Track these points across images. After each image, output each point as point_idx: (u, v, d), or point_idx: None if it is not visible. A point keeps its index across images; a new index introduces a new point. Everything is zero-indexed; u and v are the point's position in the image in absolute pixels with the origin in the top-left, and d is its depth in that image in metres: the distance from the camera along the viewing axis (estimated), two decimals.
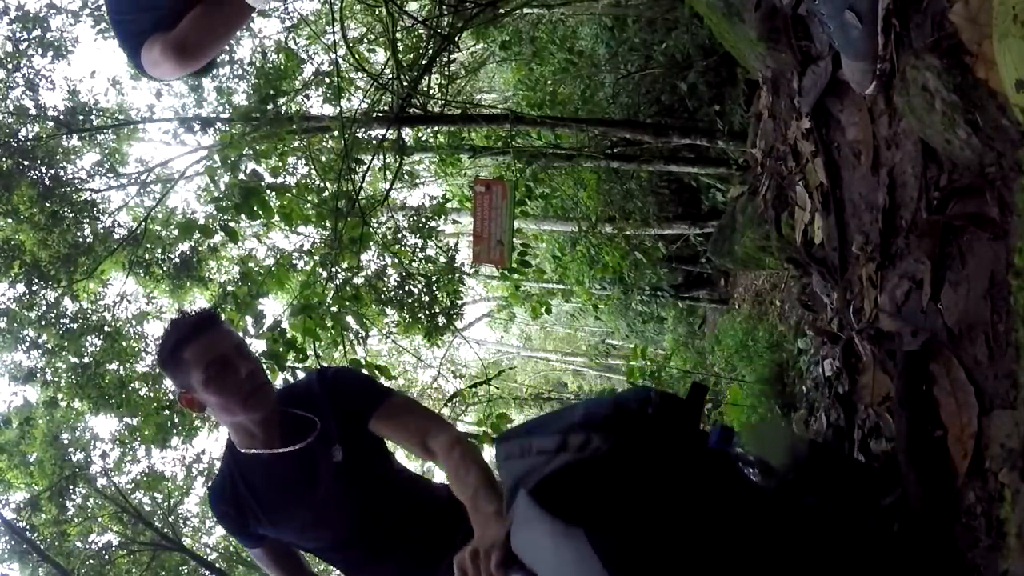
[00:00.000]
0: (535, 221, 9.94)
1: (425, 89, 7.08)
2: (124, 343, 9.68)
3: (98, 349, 9.48)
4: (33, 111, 9.05)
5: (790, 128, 2.38)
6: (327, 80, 8.08)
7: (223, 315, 4.64)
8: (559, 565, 1.31)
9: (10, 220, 8.70)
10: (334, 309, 5.63)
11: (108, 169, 10.15)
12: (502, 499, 1.43)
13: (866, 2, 1.35)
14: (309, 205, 6.14)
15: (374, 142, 6.96)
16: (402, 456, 2.82)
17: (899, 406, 1.43)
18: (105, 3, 1.94)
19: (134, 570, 11.24)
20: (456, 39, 7.38)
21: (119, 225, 9.92)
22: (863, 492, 1.39)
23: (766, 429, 1.46)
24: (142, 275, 9.69)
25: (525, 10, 8.61)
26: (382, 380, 4.87)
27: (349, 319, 5.81)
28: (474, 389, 10.31)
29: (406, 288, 7.42)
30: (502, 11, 7.54)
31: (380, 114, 6.96)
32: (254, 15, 1.70)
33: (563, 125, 7.31)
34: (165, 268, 9.66)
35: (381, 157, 7.26)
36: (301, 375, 4.58)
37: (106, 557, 11.27)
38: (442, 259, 8.00)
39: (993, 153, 1.15)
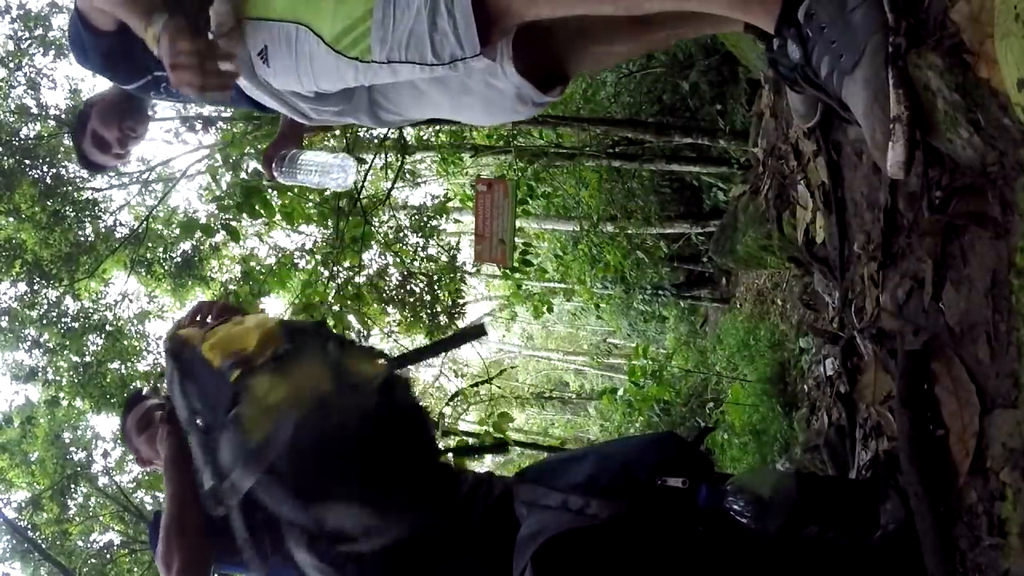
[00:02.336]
0: (537, 220, 9.93)
1: None
2: (126, 342, 9.69)
3: (100, 348, 9.49)
4: (35, 110, 9.06)
5: (792, 127, 2.38)
6: None
7: None
8: None
9: (12, 219, 8.71)
10: (336, 308, 5.63)
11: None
12: None
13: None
14: (311, 204, 6.15)
15: (376, 141, 6.96)
16: None
17: (900, 405, 1.43)
18: None
19: (135, 569, 11.24)
20: None
21: (121, 224, 9.94)
22: (860, 509, 1.39)
23: (752, 477, 1.45)
24: (144, 274, 9.69)
25: None
26: None
27: (351, 318, 5.81)
28: (476, 388, 10.32)
29: (408, 287, 7.42)
30: None
31: None
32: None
33: (565, 124, 7.31)
34: (167, 267, 9.67)
35: (383, 156, 7.26)
36: None
37: (108, 556, 11.28)
38: (444, 258, 8.00)
39: (995, 152, 1.15)
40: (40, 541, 10.42)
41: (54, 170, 8.90)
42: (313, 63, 1.44)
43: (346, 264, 6.19)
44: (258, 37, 1.49)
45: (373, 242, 6.72)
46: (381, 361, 1.63)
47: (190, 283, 9.76)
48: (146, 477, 11.41)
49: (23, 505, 10.59)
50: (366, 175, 6.95)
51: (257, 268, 6.72)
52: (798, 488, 1.38)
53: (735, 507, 1.37)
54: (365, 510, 1.43)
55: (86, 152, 2.07)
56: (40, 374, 9.71)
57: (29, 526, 10.50)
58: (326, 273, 6.03)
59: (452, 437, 5.51)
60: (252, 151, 6.12)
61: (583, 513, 1.39)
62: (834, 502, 1.41)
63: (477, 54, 1.30)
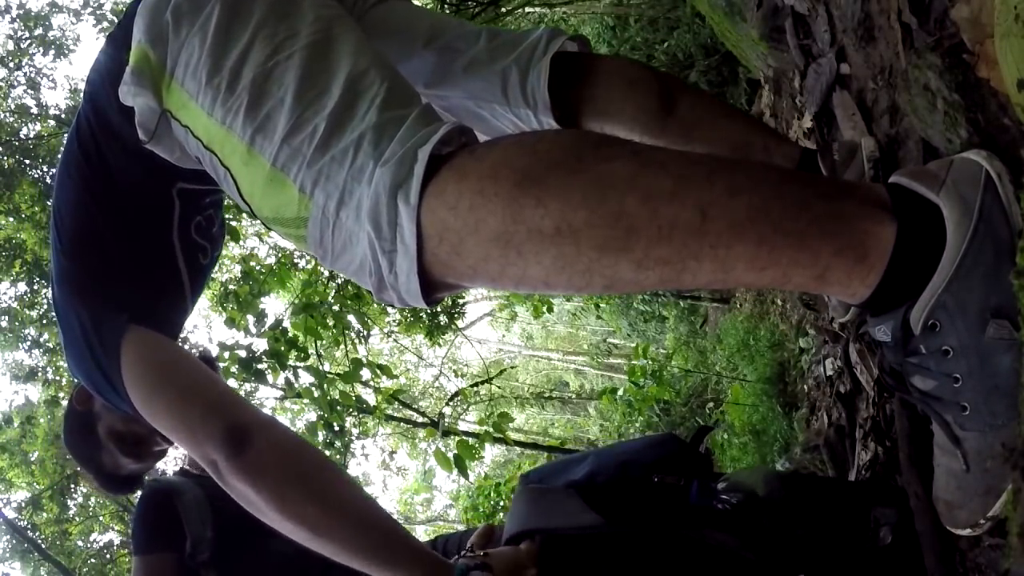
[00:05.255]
0: None
1: None
2: None
3: None
4: (35, 110, 9.07)
5: (792, 127, 2.38)
6: None
7: (225, 314, 4.67)
8: None
9: (11, 219, 8.72)
10: (336, 308, 5.63)
11: None
12: None
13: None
14: None
15: None
16: None
17: (900, 405, 1.43)
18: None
19: None
20: None
21: None
22: (852, 510, 1.39)
23: (746, 474, 1.45)
24: None
25: (527, 9, 8.62)
26: (383, 379, 4.89)
27: (351, 318, 5.81)
28: (476, 388, 10.33)
29: None
30: (504, 10, 7.55)
31: None
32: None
33: None
34: None
35: None
36: (303, 374, 4.60)
37: (107, 556, 11.29)
38: None
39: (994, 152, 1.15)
40: (40, 541, 10.42)
41: (54, 170, 8.91)
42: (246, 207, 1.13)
43: None
44: (189, 143, 1.16)
45: None
46: None
47: None
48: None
49: (23, 505, 10.60)
50: None
51: (257, 268, 6.72)
52: (784, 489, 1.38)
53: (728, 506, 1.37)
54: None
55: (114, 468, 1.45)
56: (40, 374, 9.72)
57: (29, 526, 10.51)
58: (326, 273, 6.03)
59: (452, 437, 5.51)
60: None
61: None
62: (824, 504, 1.40)
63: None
